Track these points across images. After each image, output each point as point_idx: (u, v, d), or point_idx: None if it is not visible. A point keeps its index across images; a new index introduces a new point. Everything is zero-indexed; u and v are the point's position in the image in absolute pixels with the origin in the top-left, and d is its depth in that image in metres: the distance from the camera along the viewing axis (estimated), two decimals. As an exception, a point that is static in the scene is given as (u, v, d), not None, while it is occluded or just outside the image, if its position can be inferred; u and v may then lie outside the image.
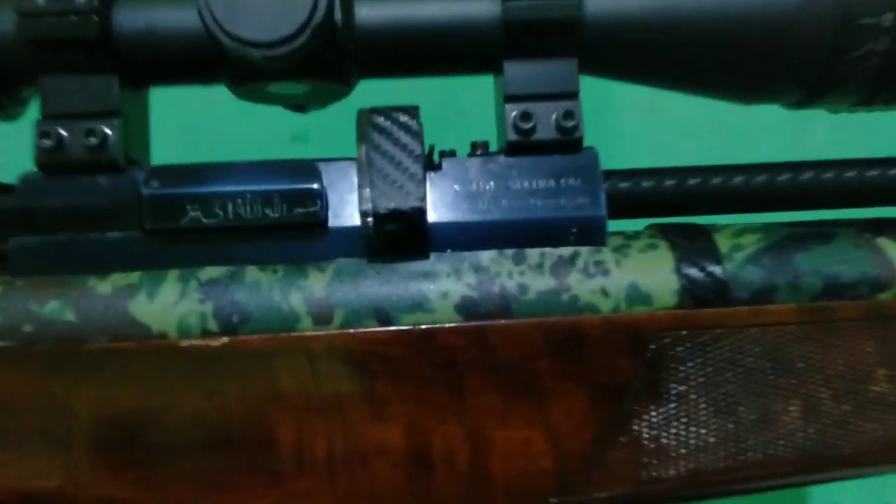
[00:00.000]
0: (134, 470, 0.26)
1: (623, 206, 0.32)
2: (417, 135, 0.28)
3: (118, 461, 0.26)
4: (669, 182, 0.32)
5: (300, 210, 0.28)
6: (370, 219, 0.27)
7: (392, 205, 0.27)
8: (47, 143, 0.28)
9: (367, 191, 0.27)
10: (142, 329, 0.27)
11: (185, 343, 0.27)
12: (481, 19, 0.29)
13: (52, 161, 0.28)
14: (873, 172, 0.32)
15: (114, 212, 0.28)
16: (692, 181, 0.32)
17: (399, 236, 0.28)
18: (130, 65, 0.29)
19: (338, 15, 0.28)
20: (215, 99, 0.32)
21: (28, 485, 0.27)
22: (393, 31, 0.30)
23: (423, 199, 0.28)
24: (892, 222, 0.31)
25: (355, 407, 0.27)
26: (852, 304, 0.28)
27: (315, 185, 0.28)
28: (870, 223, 0.31)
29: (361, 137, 0.28)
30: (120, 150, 0.29)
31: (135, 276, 0.28)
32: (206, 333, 0.27)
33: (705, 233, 0.30)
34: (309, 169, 0.28)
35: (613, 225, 0.32)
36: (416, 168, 0.28)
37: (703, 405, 0.28)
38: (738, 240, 0.30)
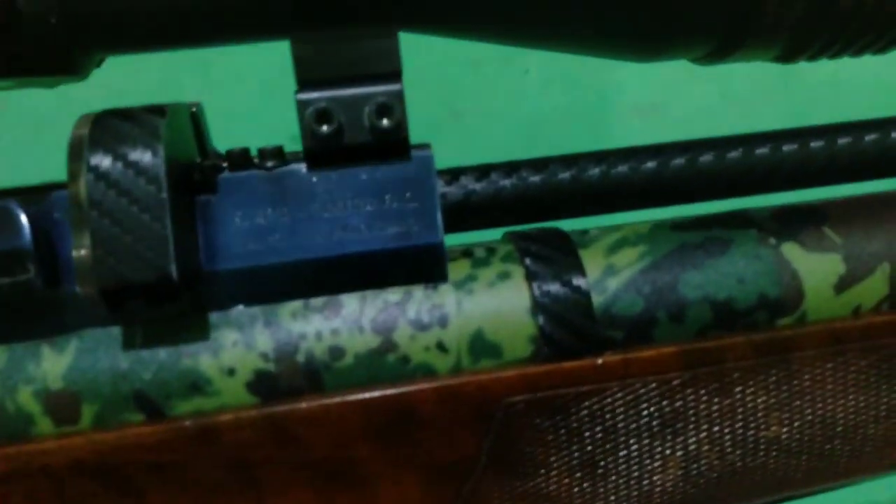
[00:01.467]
0: None
1: (479, 213, 0.25)
2: (159, 153, 0.20)
3: None
4: (533, 179, 0.24)
5: (6, 280, 0.20)
6: (94, 295, 0.19)
7: (122, 274, 0.19)
8: None
9: (85, 249, 0.19)
10: None
11: None
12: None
13: None
14: (789, 146, 0.25)
15: None
16: (562, 175, 0.24)
17: (153, 308, 0.20)
18: None
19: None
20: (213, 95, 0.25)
21: None
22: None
23: (171, 256, 0.19)
24: (806, 214, 0.25)
25: (122, 530, 0.21)
26: (745, 342, 0.23)
27: (20, 242, 0.20)
28: (779, 218, 0.25)
29: (73, 164, 0.19)
30: None
31: None
32: None
33: (571, 251, 0.23)
34: (6, 216, 0.20)
35: (471, 237, 0.25)
36: (156, 207, 0.19)
37: (565, 474, 0.23)
38: (612, 259, 0.23)
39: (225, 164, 0.22)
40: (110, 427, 0.21)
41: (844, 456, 0.25)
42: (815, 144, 0.25)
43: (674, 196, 0.25)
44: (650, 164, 0.25)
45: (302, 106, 0.21)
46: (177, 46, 0.22)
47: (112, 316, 0.21)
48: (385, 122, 0.21)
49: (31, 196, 0.21)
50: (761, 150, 0.25)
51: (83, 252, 0.19)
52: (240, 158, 0.22)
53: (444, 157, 0.24)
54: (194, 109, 0.23)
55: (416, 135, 0.22)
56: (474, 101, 0.22)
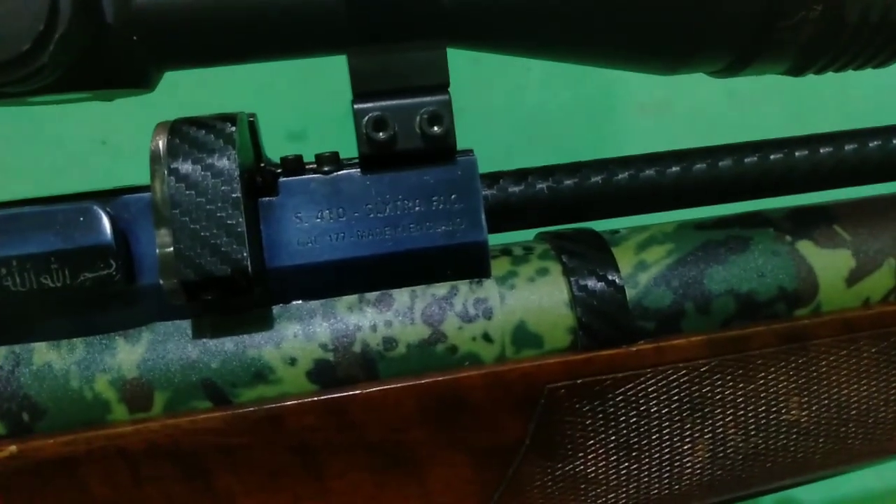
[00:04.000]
0: None
1: (517, 213, 0.26)
2: (233, 157, 0.21)
3: None
4: (567, 182, 0.26)
5: (89, 275, 0.21)
6: (176, 287, 0.21)
7: (203, 267, 0.21)
8: None
9: (168, 245, 0.21)
10: None
11: (-42, 460, 0.21)
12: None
13: None
14: (802, 153, 0.27)
15: None
16: (594, 178, 0.26)
17: (222, 300, 0.22)
18: None
19: (107, 7, 0.20)
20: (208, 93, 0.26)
21: None
22: (188, 13, 0.22)
23: (245, 251, 0.21)
24: (818, 213, 0.27)
25: (193, 509, 0.22)
26: (767, 330, 0.25)
27: (103, 239, 0.21)
28: (793, 218, 0.27)
29: (154, 167, 0.21)
30: None
31: None
32: None
33: (604, 248, 0.25)
34: (91, 216, 0.21)
35: (507, 237, 0.27)
36: (232, 207, 0.21)
37: (602, 456, 0.25)
38: (642, 255, 0.25)
39: (279, 171, 0.24)
40: (180, 413, 0.22)
41: (858, 438, 0.26)
42: (824, 150, 0.27)
43: (697, 198, 0.27)
44: (675, 169, 0.26)
45: (359, 115, 0.23)
46: (241, 61, 0.24)
47: (188, 307, 0.22)
48: (436, 129, 0.23)
49: (104, 198, 0.22)
50: (776, 156, 0.27)
51: (166, 247, 0.21)
52: (294, 164, 0.24)
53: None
54: (252, 119, 0.25)
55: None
56: (475, 98, 0.23)
